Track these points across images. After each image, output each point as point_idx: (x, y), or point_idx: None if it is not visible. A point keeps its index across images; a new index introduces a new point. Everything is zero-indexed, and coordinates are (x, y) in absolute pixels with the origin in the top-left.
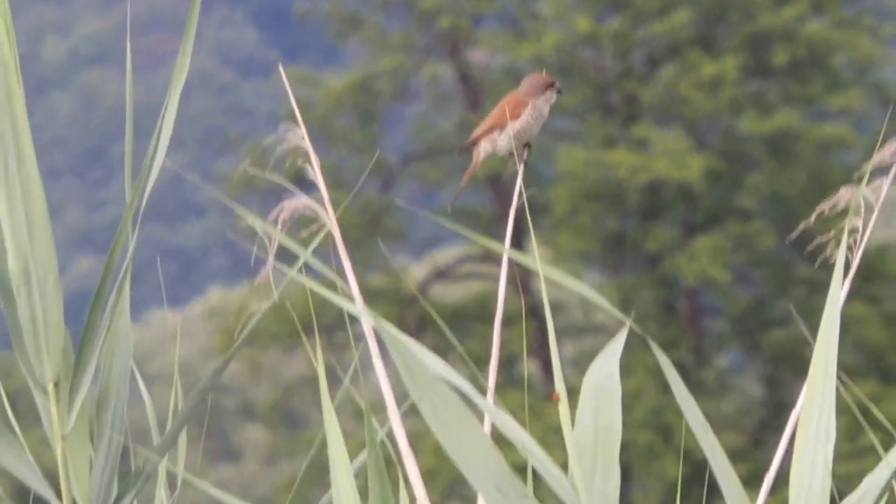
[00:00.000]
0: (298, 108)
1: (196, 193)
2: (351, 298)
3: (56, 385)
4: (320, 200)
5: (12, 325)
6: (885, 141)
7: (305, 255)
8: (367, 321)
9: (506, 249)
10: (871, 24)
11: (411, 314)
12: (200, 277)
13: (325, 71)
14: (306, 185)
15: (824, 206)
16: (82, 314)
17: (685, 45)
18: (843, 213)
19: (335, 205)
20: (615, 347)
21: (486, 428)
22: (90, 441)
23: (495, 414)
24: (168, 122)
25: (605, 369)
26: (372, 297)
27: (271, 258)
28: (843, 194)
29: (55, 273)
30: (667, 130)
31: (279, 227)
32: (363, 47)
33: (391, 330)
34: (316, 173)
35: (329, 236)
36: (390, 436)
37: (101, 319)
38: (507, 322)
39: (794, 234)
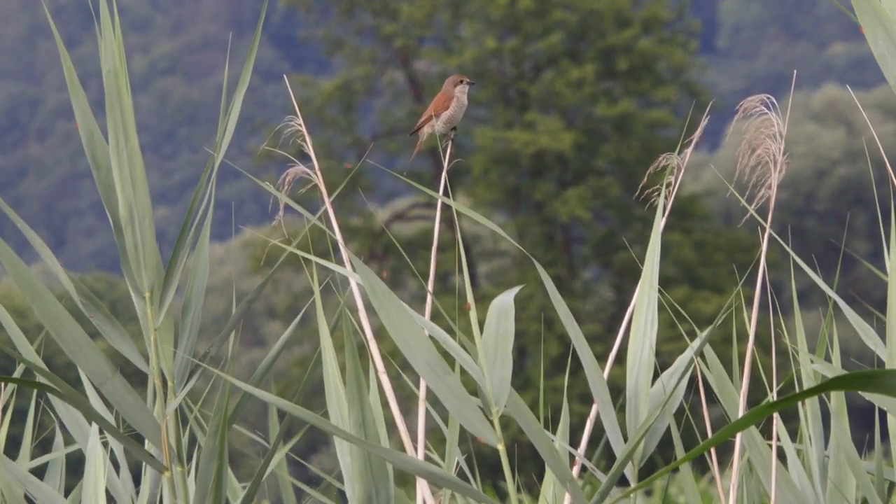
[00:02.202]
0: (302, 102)
1: (235, 162)
2: (335, 237)
3: (151, 292)
4: (313, 168)
5: (122, 252)
6: (692, 122)
7: (303, 211)
8: (345, 253)
9: (440, 197)
10: (682, 40)
11: (379, 244)
12: (238, 221)
13: (320, 77)
14: (307, 157)
15: (651, 168)
16: (160, 247)
17: (559, 56)
18: (664, 172)
19: (325, 171)
20: (512, 291)
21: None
22: (174, 334)
23: (426, 323)
24: (233, 116)
25: (505, 298)
26: (351, 232)
27: (282, 209)
28: (663, 159)
29: (150, 215)
30: (547, 116)
31: (286, 186)
32: (345, 60)
33: (358, 261)
34: (309, 150)
35: (320, 192)
36: (363, 328)
37: (183, 248)
38: (444, 249)
39: (636, 195)
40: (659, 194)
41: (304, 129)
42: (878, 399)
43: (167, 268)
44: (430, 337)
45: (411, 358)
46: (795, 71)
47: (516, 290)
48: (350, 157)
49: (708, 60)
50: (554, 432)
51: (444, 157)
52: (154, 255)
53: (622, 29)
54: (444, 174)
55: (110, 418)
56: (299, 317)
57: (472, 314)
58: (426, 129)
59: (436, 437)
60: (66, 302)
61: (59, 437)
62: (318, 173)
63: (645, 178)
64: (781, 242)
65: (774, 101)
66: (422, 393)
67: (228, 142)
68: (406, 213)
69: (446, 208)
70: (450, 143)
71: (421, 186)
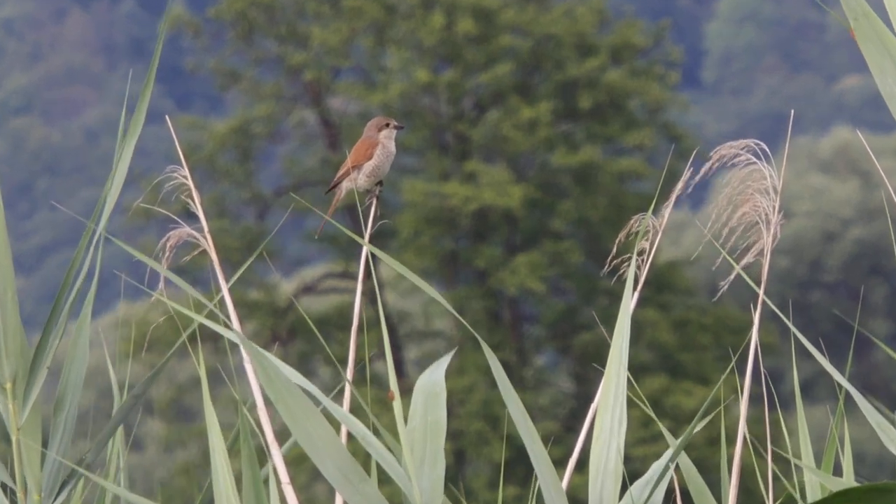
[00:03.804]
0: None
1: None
2: (227, 318)
3: (13, 383)
4: (202, 230)
5: None
6: (671, 173)
7: (184, 286)
8: (236, 338)
9: (374, 245)
10: (660, 72)
11: (283, 323)
12: (110, 294)
13: (212, 117)
14: (194, 216)
15: (621, 236)
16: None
17: (507, 92)
18: (636, 235)
19: (218, 232)
20: (442, 362)
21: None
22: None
23: (340, 413)
24: (121, 170)
25: (433, 378)
26: (250, 308)
27: (162, 281)
28: (635, 221)
29: (13, 288)
30: (492, 165)
31: (167, 252)
32: (241, 97)
33: (251, 346)
34: (197, 207)
35: (210, 259)
36: (262, 428)
37: (55, 328)
38: (364, 328)
39: (606, 269)
40: (630, 263)
41: (190, 182)
42: None
43: (34, 352)
44: (349, 434)
45: (320, 463)
46: (793, 111)
47: (446, 360)
48: (248, 217)
49: (691, 97)
50: None
51: (367, 217)
52: (18, 337)
53: (585, 58)
54: (366, 235)
55: None
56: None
57: (397, 405)
58: (345, 185)
59: None
60: None
61: None
62: (208, 236)
63: (615, 245)
64: (782, 317)
65: (766, 147)
66: None
67: (113, 203)
68: (317, 286)
69: (369, 277)
70: (374, 201)
71: (353, 236)
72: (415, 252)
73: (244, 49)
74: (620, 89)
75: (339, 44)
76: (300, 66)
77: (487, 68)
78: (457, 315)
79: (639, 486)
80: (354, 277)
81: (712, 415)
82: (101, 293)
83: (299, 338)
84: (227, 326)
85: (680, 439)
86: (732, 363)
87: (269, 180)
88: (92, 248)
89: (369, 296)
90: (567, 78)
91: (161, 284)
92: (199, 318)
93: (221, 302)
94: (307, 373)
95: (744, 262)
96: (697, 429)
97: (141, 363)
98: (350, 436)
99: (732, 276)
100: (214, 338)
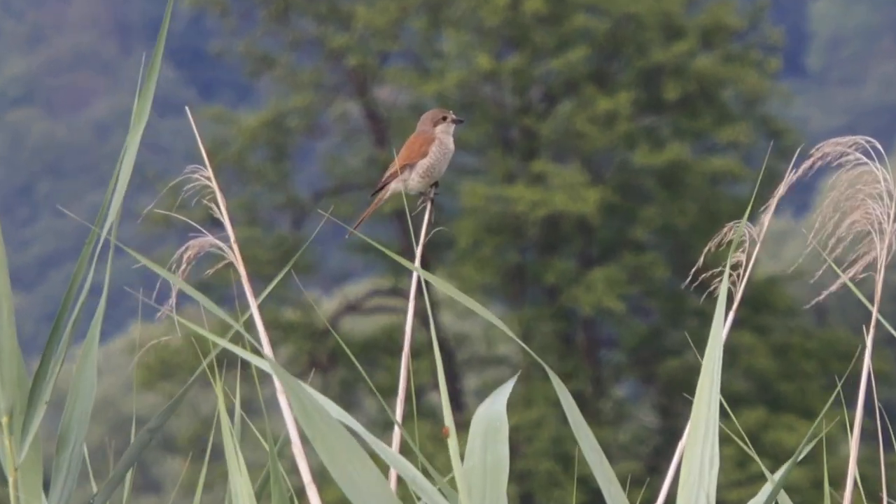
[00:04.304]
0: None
1: (118, 227)
2: (256, 341)
3: (10, 416)
4: (228, 240)
5: None
6: (771, 174)
7: (204, 299)
8: (266, 365)
9: (418, 270)
10: (758, 58)
11: (323, 347)
12: (121, 314)
13: (240, 109)
14: (219, 223)
15: (711, 244)
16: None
17: (581, 80)
18: (730, 246)
19: (247, 242)
20: (504, 390)
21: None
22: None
23: (388, 453)
24: (126, 171)
25: (494, 409)
26: (285, 330)
27: (173, 297)
28: (729, 230)
29: (10, 306)
30: (564, 165)
31: (185, 265)
32: (275, 85)
33: (285, 374)
34: (222, 213)
35: (238, 273)
36: (299, 469)
37: (55, 354)
38: (416, 354)
39: (687, 281)
40: (722, 278)
41: (214, 184)
42: None
43: (33, 381)
44: (398, 477)
45: None
46: None
47: (508, 387)
48: (283, 225)
49: (794, 87)
50: None
51: (421, 225)
52: (15, 364)
53: (671, 42)
54: (418, 248)
55: None
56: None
57: (452, 442)
58: (394, 185)
59: None
60: None
61: None
62: (234, 246)
63: (702, 256)
64: None
65: (879, 145)
66: None
67: (119, 204)
68: (362, 304)
69: (421, 296)
70: (429, 205)
71: (397, 258)
72: (475, 265)
73: (278, 30)
74: (712, 77)
75: (388, 24)
76: (342, 50)
77: (559, 53)
78: (519, 342)
79: None
80: (405, 295)
81: (812, 449)
82: (112, 312)
83: (341, 364)
84: (257, 352)
85: (778, 479)
86: (839, 391)
87: (306, 182)
88: (95, 258)
89: (422, 316)
90: (650, 64)
91: (172, 300)
92: (223, 342)
93: (250, 322)
94: (350, 405)
95: (851, 275)
96: (799, 463)
97: (159, 393)
98: (399, 479)
99: (835, 289)
100: (243, 364)
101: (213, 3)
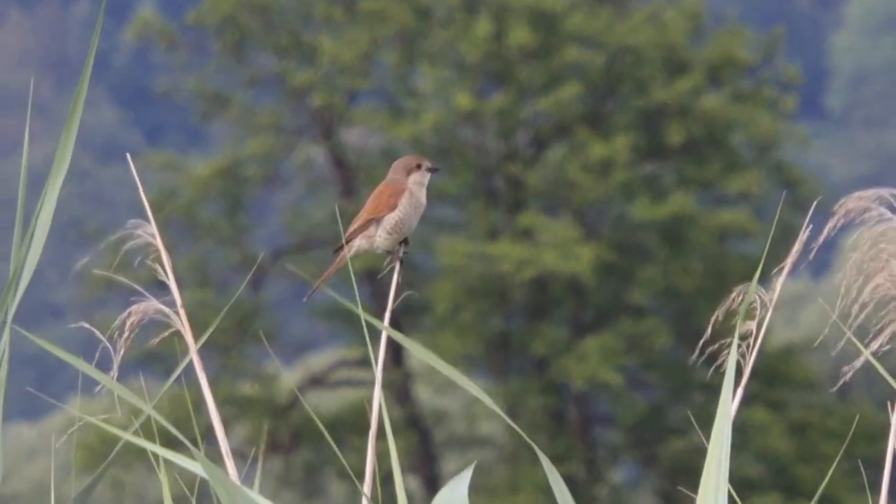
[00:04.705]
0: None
1: (54, 293)
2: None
3: None
4: (174, 305)
5: None
6: (786, 229)
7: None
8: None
9: (393, 330)
10: (772, 97)
11: (285, 425)
12: (60, 387)
13: (191, 154)
14: (165, 286)
15: (719, 312)
16: None
17: (573, 122)
18: (740, 312)
19: (198, 307)
20: (464, 477)
21: None
22: None
23: None
24: (43, 224)
25: (453, 496)
26: (242, 406)
27: (115, 369)
28: (738, 294)
29: None
30: (554, 219)
31: (127, 333)
32: (230, 128)
33: (220, 476)
34: (167, 274)
35: (185, 342)
36: None
37: None
38: (389, 434)
39: (695, 355)
40: (731, 348)
41: (159, 242)
42: None
43: None
44: None
45: None
46: None
47: (468, 475)
48: (235, 284)
49: (812, 129)
50: None
51: (393, 289)
52: None
53: (675, 78)
54: (387, 312)
55: None
56: None
57: None
58: (360, 244)
59: None
60: None
61: None
62: (181, 312)
63: (710, 324)
64: None
65: None
66: None
67: (33, 268)
68: (327, 377)
69: (395, 366)
70: (397, 265)
71: (366, 317)
72: (454, 333)
73: (233, 66)
74: (720, 119)
75: (357, 59)
76: (306, 88)
77: (548, 91)
78: (505, 417)
79: None
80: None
81: None
82: (50, 386)
83: (305, 444)
84: (196, 446)
85: None
86: (862, 476)
87: (265, 238)
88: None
89: (396, 391)
90: (651, 104)
91: (113, 372)
92: (126, 436)
93: (200, 399)
94: (316, 490)
95: (875, 348)
96: None
97: (103, 477)
98: None
99: (859, 365)
100: (194, 443)
101: (159, 34)
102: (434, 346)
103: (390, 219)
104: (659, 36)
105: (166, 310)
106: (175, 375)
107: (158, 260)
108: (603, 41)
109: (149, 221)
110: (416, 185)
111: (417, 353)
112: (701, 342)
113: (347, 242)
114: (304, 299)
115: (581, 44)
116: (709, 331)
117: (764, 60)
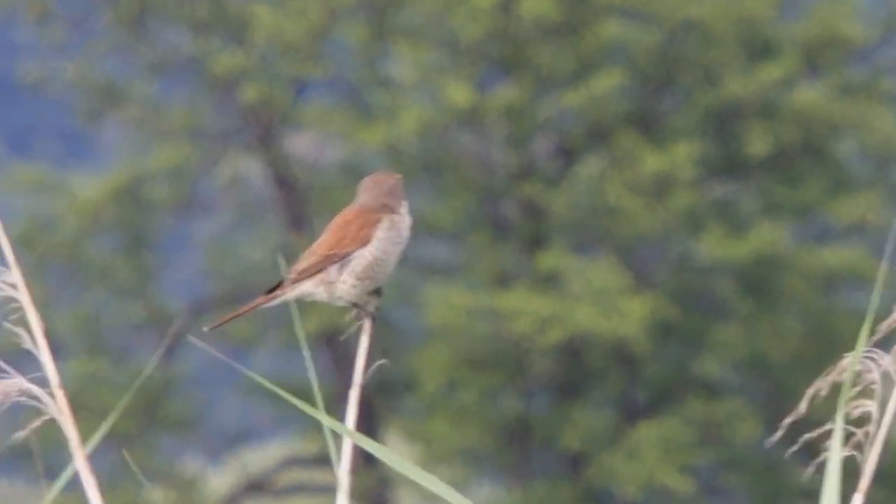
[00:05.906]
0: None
1: None
2: None
3: None
4: (46, 383)
5: None
6: None
7: None
8: None
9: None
10: (892, 89)
11: None
12: None
13: (73, 169)
14: (34, 358)
15: (816, 386)
16: None
17: (614, 125)
18: (845, 388)
19: (91, 381)
20: None
21: None
22: None
23: None
24: None
25: None
26: None
27: None
28: (849, 362)
29: None
30: (590, 259)
31: None
32: (128, 133)
33: None
34: (35, 342)
35: (67, 433)
36: None
37: None
38: None
39: (776, 436)
40: (833, 437)
41: (23, 297)
42: None
43: None
44: None
45: None
46: None
47: None
48: (145, 354)
49: None
50: None
51: (362, 357)
52: None
53: (758, 64)
54: (354, 392)
55: None
56: None
57: None
58: (311, 288)
59: None
60: None
61: None
62: (59, 393)
63: (803, 402)
64: None
65: None
66: None
67: None
68: (271, 481)
69: (369, 468)
70: (367, 324)
71: (316, 415)
72: (450, 419)
73: (131, 46)
74: (822, 120)
75: (306, 36)
76: (234, 76)
77: (578, 82)
78: None
79: None
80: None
81: None
82: None
83: None
84: None
85: None
86: None
87: (180, 286)
88: None
89: (369, 501)
90: (724, 100)
91: None
92: None
93: None
94: None
95: None
96: None
97: None
98: None
99: None
100: None
101: (25, 2)
102: (422, 436)
103: (361, 258)
104: (734, 6)
105: (36, 390)
106: (57, 488)
107: (23, 321)
108: (656, 13)
109: (6, 266)
110: (394, 213)
111: (388, 460)
112: (788, 420)
113: (295, 282)
114: (205, 329)
115: (624, 16)
116: (804, 406)
117: (883, 40)
